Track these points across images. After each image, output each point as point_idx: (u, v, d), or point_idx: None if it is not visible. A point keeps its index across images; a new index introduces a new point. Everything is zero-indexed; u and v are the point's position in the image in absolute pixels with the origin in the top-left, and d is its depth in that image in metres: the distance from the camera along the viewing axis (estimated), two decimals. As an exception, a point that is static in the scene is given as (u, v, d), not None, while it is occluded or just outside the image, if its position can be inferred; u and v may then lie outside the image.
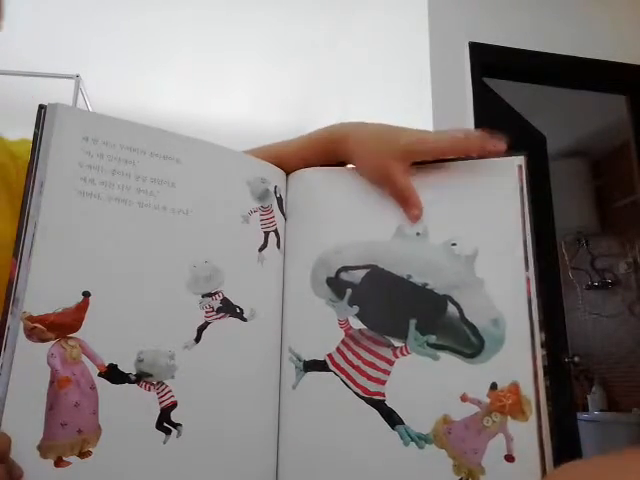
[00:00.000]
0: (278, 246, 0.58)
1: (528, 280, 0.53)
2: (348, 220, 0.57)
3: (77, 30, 2.85)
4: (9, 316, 0.43)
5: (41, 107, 0.49)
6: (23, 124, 0.95)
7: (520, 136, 2.29)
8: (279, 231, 0.58)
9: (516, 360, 0.51)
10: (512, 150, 0.57)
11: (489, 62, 2.21)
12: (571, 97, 2.82)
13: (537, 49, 2.23)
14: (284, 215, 0.59)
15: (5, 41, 2.44)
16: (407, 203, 0.57)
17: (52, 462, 0.42)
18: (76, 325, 0.45)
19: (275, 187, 0.59)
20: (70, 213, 0.47)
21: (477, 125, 2.03)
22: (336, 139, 0.62)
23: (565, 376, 2.27)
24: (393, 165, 0.57)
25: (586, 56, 2.26)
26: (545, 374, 0.50)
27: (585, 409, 3.62)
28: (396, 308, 0.54)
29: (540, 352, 0.51)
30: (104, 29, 2.85)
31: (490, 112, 2.12)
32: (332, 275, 0.56)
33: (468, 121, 2.05)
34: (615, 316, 3.67)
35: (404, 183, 0.57)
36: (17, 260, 0.44)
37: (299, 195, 0.60)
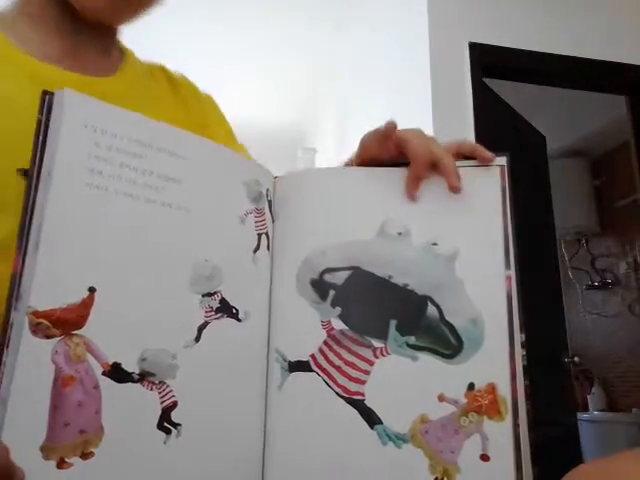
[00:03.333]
0: (268, 248, 0.58)
1: (509, 279, 0.53)
2: (332, 221, 0.58)
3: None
4: (12, 312, 0.41)
5: (45, 93, 0.46)
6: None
7: (520, 136, 2.29)
8: (269, 233, 0.58)
9: (494, 360, 0.51)
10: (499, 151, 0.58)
11: (489, 62, 2.20)
12: (571, 97, 2.82)
13: (537, 49, 2.22)
14: (273, 217, 0.59)
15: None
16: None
17: (54, 464, 0.41)
18: (81, 322, 0.44)
19: (267, 190, 0.59)
20: (77, 205, 0.45)
21: (477, 125, 2.03)
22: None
23: (565, 376, 2.27)
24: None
25: (586, 56, 2.26)
26: (525, 374, 0.50)
27: (585, 409, 3.62)
28: (377, 309, 0.55)
29: (520, 352, 0.51)
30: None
31: (490, 112, 2.11)
32: (316, 277, 0.56)
33: (468, 121, 2.04)
34: (615, 316, 3.66)
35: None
36: (21, 253, 0.42)
37: (285, 198, 0.60)
